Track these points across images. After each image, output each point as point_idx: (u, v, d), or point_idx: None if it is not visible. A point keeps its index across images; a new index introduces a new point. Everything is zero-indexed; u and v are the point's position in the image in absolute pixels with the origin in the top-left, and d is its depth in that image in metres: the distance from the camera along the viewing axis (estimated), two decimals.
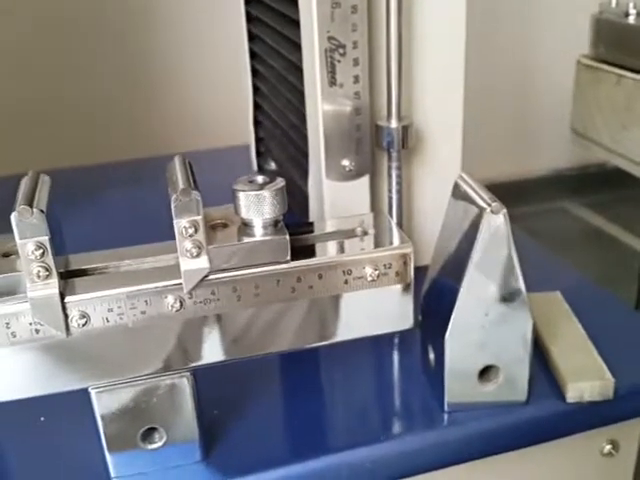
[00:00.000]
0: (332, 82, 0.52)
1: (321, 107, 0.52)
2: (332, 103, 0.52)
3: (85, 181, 0.87)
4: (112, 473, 0.40)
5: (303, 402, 0.46)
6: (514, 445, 0.45)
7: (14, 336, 0.35)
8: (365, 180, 0.55)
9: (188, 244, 0.35)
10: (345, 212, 0.52)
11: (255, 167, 0.83)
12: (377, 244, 0.39)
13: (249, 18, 0.75)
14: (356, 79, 0.52)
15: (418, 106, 0.56)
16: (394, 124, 0.54)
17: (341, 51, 0.51)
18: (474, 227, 0.40)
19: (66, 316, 0.35)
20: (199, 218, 0.35)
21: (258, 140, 0.82)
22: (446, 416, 0.44)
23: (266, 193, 0.36)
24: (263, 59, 0.73)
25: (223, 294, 0.37)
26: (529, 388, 0.44)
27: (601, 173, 1.34)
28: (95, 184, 0.86)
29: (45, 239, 0.34)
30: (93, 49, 1.06)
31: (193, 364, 0.38)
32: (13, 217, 0.33)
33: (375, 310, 0.40)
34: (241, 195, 0.36)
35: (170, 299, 0.36)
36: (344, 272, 0.38)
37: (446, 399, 0.44)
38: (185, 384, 0.39)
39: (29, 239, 0.34)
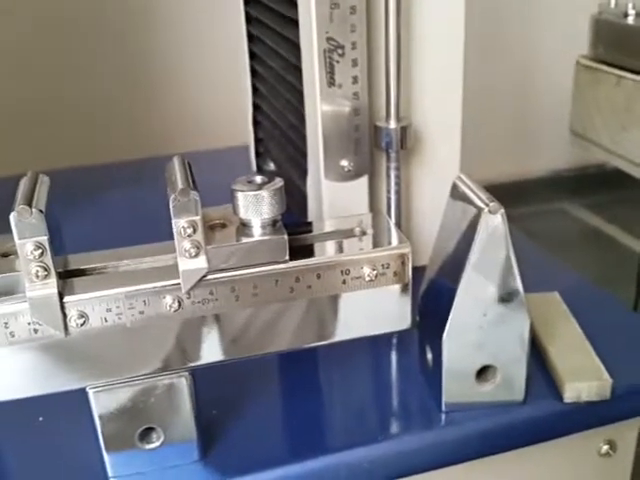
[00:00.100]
0: (331, 83, 0.52)
1: (320, 107, 0.52)
2: (331, 103, 0.52)
3: (85, 181, 0.87)
4: (110, 473, 0.40)
5: (301, 402, 0.46)
6: (512, 445, 0.45)
7: (13, 336, 0.35)
8: (364, 180, 0.55)
9: (186, 244, 0.35)
10: (344, 212, 0.52)
11: (254, 167, 0.83)
12: (375, 244, 0.39)
13: (248, 19, 0.76)
14: (355, 80, 0.52)
15: (417, 107, 0.56)
16: (393, 125, 0.54)
17: (340, 52, 0.51)
18: (472, 227, 0.40)
19: (65, 316, 0.35)
20: (197, 218, 0.35)
21: (257, 140, 0.82)
22: (444, 416, 0.44)
23: (264, 193, 0.36)
24: (262, 60, 0.73)
25: (221, 294, 0.37)
26: (526, 388, 0.44)
27: (600, 174, 1.34)
28: (95, 184, 0.86)
29: (44, 239, 0.34)
30: (93, 49, 1.05)
31: (191, 364, 0.39)
32: (12, 217, 0.33)
33: (373, 310, 0.40)
34: (239, 195, 0.36)
35: (168, 299, 0.36)
36: (342, 272, 0.38)
37: (444, 399, 0.44)
38: (183, 384, 0.39)
39: (28, 239, 0.34)
